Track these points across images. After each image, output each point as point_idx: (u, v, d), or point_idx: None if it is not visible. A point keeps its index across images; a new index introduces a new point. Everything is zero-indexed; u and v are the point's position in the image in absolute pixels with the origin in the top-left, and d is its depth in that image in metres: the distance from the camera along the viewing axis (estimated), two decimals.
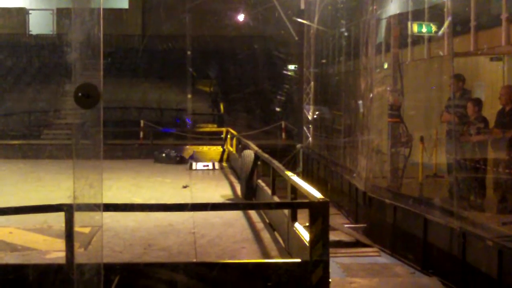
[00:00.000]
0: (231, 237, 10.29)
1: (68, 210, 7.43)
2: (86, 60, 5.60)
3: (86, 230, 8.67)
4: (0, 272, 7.77)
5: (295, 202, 9.07)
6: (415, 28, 15.79)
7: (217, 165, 19.74)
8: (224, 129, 22.01)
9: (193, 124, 25.04)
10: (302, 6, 23.17)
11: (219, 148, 21.01)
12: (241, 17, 30.68)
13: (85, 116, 6.11)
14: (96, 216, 8.63)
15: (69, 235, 7.46)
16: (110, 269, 7.18)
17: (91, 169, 6.40)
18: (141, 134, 23.80)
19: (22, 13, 34.66)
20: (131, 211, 8.48)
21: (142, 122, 23.87)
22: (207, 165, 19.51)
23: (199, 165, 19.48)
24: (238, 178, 15.74)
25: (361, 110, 15.37)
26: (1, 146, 21.40)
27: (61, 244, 9.23)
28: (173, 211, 9.76)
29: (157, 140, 22.89)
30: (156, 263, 7.63)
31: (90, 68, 5.64)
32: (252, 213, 11.74)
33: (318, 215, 7.06)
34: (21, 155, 20.54)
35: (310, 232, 7.07)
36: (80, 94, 5.32)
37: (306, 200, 7.78)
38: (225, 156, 20.48)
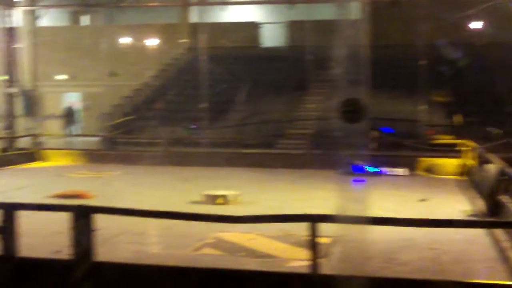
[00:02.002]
0: (475, 255, 9.75)
1: (312, 220, 7.38)
2: (347, 73, 5.51)
3: (325, 240, 8.59)
4: (244, 278, 7.90)
5: None
6: None
7: (406, 172, 19.60)
8: (461, 141, 21.01)
9: (427, 135, 24.32)
10: None
11: (456, 161, 20.07)
12: (475, 25, 29.40)
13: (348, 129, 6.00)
14: (336, 227, 8.53)
15: (313, 245, 7.39)
16: (357, 282, 7.00)
17: (345, 181, 6.30)
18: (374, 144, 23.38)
19: (254, 27, 35.98)
20: (398, 225, 8.26)
21: (374, 132, 23.49)
22: (394, 172, 19.56)
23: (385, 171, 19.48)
24: (479, 193, 14.90)
25: None
26: (238, 155, 22.15)
27: (301, 252, 9.27)
28: (443, 227, 9.27)
29: (390, 151, 22.39)
30: (404, 280, 7.32)
31: (347, 81, 5.54)
32: (497, 231, 11.01)
33: None
34: (256, 164, 21.11)
35: None
36: (345, 108, 5.22)
37: None
38: (464, 169, 19.50)
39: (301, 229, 10.16)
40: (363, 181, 17.63)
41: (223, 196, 14.12)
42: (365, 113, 5.32)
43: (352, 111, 5.28)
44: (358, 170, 19.07)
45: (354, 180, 18.05)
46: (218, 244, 9.89)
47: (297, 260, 8.84)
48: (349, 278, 7.56)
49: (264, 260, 8.93)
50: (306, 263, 7.95)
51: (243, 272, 8.06)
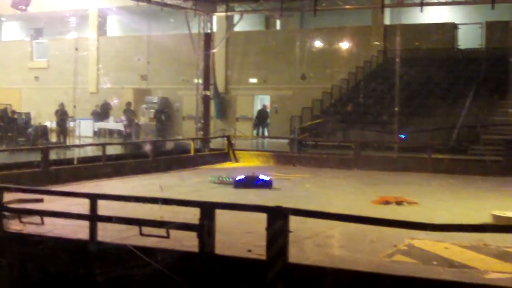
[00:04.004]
0: None
1: None
2: None
3: None
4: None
5: None
6: None
7: None
8: None
9: None
10: None
11: None
12: None
13: None
14: None
15: None
16: None
17: None
18: None
19: (450, 28, 34.82)
20: None
21: None
22: None
23: None
24: None
25: None
26: (427, 161, 21.51)
27: (498, 264, 8.80)
28: None
29: None
30: None
31: None
32: None
33: None
34: (446, 170, 20.47)
35: None
36: None
37: None
38: None
39: (497, 240, 9.73)
40: None
41: None
42: None
43: None
44: None
45: None
46: (410, 251, 9.62)
47: (496, 272, 8.37)
48: None
49: (460, 271, 8.54)
50: (506, 276, 7.52)
51: (438, 282, 7.77)
